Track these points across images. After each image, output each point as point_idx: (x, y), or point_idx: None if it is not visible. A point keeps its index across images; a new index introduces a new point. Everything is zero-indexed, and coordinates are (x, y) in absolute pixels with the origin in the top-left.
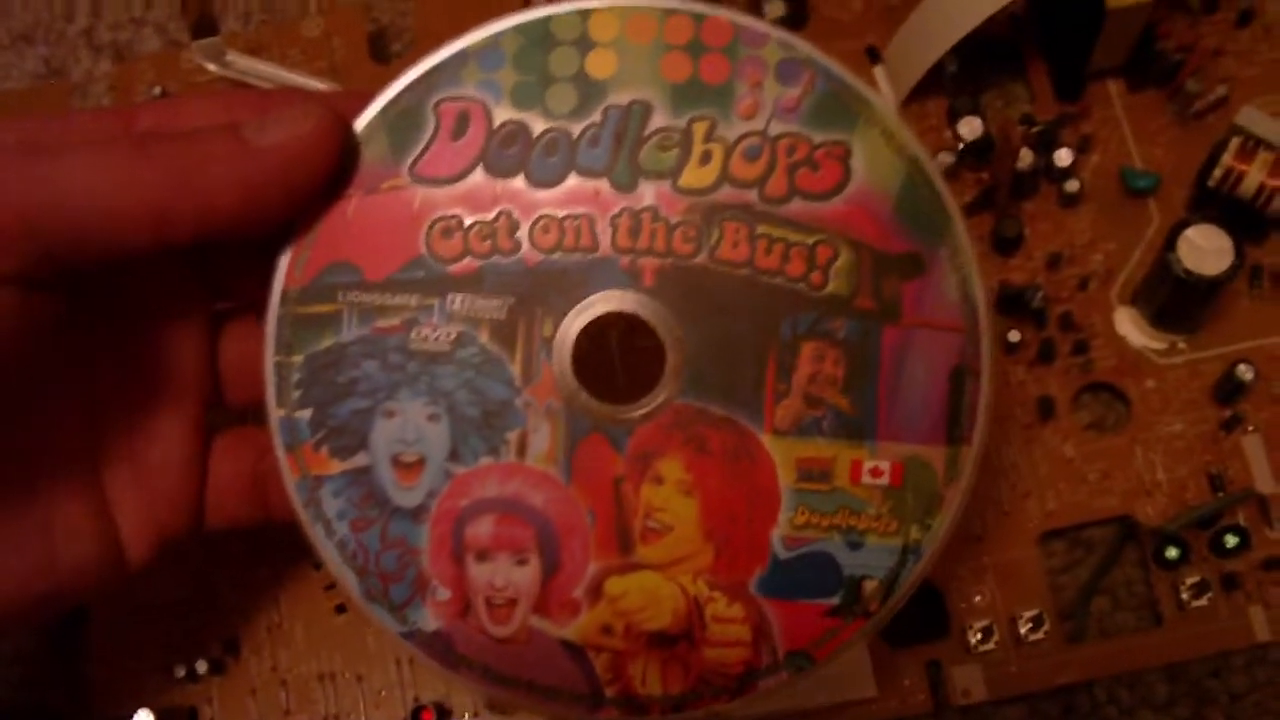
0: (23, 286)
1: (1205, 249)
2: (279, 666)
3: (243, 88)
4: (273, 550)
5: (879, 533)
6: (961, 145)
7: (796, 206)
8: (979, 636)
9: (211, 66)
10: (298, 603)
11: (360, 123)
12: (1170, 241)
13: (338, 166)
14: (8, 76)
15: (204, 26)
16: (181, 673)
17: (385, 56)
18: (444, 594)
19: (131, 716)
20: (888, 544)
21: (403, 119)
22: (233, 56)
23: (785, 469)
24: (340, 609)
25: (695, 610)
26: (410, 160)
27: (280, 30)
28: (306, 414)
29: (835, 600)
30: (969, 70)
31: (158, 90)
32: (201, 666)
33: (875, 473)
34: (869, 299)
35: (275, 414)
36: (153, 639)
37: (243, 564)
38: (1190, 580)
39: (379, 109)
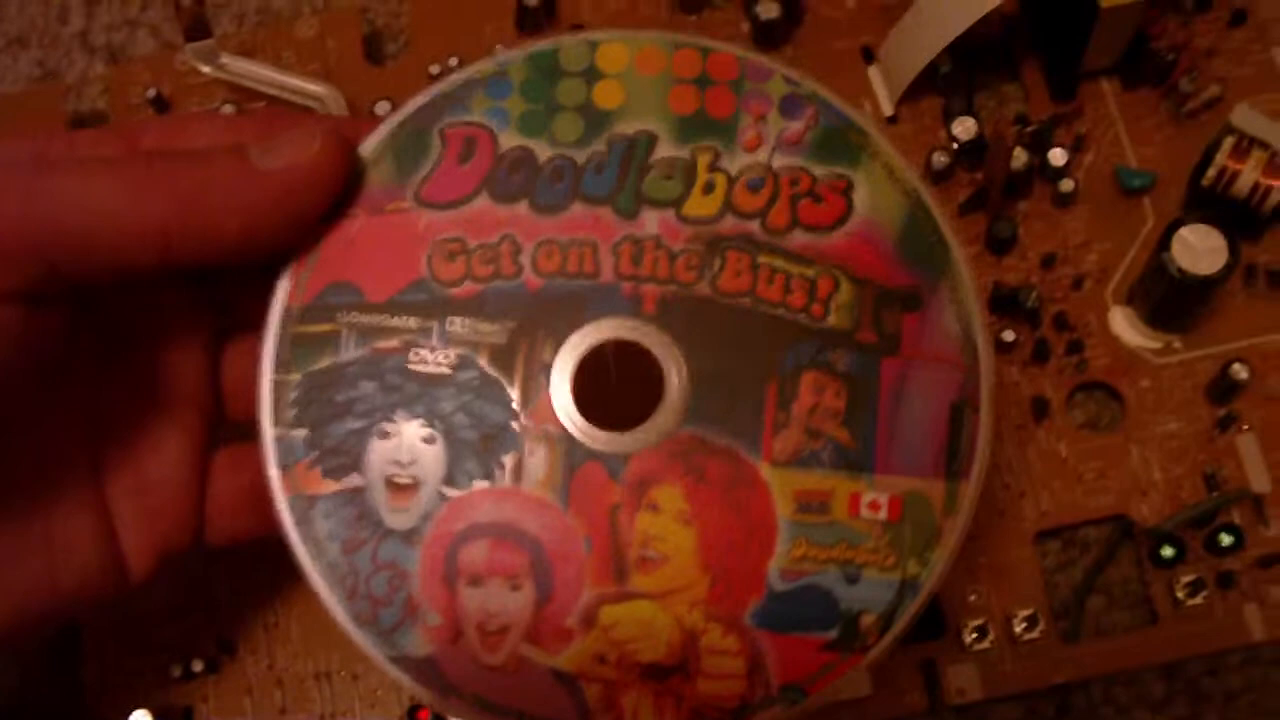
0: (27, 302)
1: (1199, 248)
2: (275, 665)
3: (238, 90)
4: (270, 550)
5: (877, 566)
6: (956, 145)
7: (799, 238)
8: (974, 635)
9: (205, 69)
10: (294, 602)
11: (367, 146)
12: (1164, 241)
13: (342, 191)
14: (2, 80)
15: (197, 29)
16: (178, 672)
17: (380, 58)
18: (435, 619)
19: (128, 717)
20: (886, 578)
21: (409, 143)
22: (226, 59)
23: (783, 500)
24: None
25: (690, 642)
26: (415, 183)
27: (274, 32)
28: (302, 433)
29: (832, 634)
30: (963, 70)
31: (152, 93)
32: (197, 666)
33: (873, 506)
34: (870, 332)
35: (270, 432)
36: (149, 639)
37: (240, 563)
38: (1185, 579)
39: (386, 132)
